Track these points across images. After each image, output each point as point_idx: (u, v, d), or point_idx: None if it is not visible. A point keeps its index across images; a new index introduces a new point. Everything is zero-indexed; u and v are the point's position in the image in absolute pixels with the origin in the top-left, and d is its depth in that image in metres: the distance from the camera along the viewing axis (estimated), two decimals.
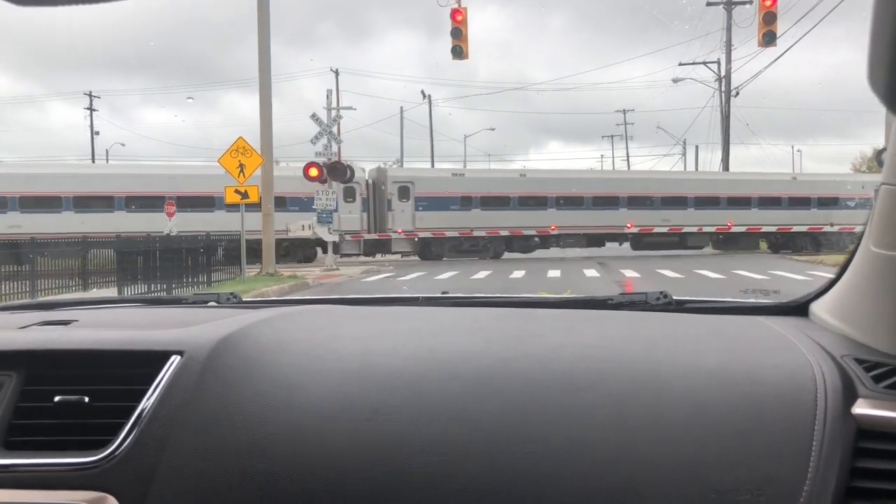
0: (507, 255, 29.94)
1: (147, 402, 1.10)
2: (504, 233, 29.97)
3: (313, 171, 22.00)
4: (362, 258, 28.37)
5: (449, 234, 29.39)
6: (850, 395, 1.06)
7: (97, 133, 48.52)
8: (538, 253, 30.33)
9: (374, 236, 29.12)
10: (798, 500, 0.95)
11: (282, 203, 22.61)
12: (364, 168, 30.12)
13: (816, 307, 1.46)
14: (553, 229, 30.15)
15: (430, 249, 29.33)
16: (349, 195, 28.01)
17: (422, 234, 29.22)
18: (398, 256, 29.44)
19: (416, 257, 29.35)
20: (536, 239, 30.76)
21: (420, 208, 29.21)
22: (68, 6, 0.82)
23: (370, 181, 29.85)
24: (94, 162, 41.85)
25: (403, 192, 29.42)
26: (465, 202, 29.77)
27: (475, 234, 29.65)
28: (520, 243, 30.42)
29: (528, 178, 31.76)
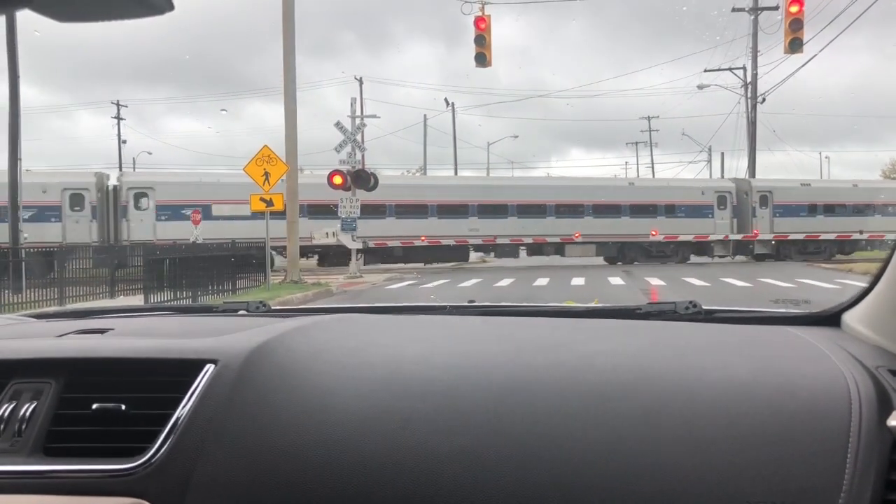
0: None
1: (182, 410, 1.12)
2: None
3: (337, 179, 22.12)
4: (386, 265, 28.37)
5: None
6: (885, 407, 1.05)
7: (125, 142, 49.24)
8: (560, 260, 30.10)
9: None
10: None
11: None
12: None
13: (849, 317, 1.45)
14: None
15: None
16: None
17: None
18: (422, 264, 29.36)
19: None
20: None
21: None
22: (106, 21, 0.85)
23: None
24: (121, 170, 42.37)
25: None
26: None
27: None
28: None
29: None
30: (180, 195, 27.17)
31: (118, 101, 49.04)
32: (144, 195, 27.34)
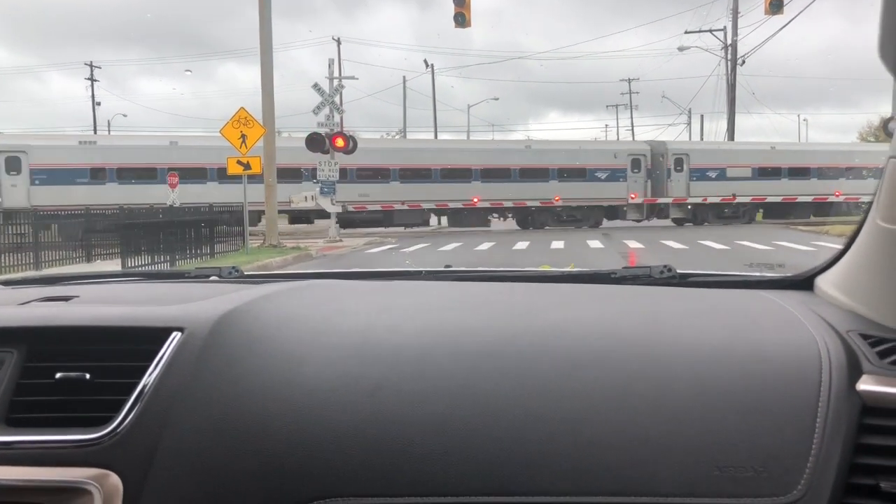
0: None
1: (148, 378, 1.10)
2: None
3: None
4: (365, 229, 28.23)
5: None
6: (854, 372, 1.06)
7: (99, 104, 48.38)
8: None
9: None
10: (801, 476, 0.95)
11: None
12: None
13: (822, 281, 1.45)
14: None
15: None
16: None
17: None
18: (402, 228, 29.18)
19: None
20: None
21: None
22: None
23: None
24: (95, 133, 41.67)
25: None
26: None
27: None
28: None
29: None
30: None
31: (91, 63, 48.09)
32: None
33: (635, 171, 31.03)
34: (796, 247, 17.55)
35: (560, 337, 1.18)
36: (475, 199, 29.42)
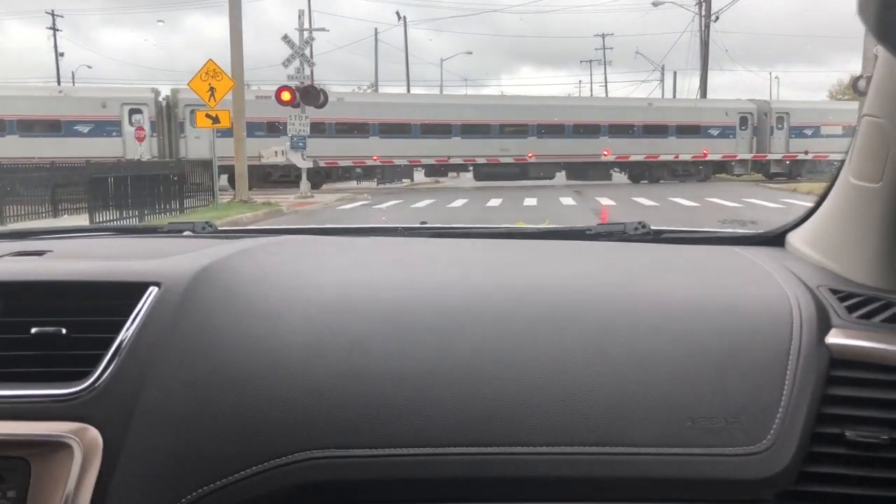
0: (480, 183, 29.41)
1: (126, 333, 1.09)
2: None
3: (286, 95, 21.55)
4: (338, 185, 27.97)
5: None
6: (824, 325, 1.08)
7: (62, 54, 47.07)
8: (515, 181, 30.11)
9: None
10: (771, 427, 0.97)
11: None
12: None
13: (793, 238, 1.48)
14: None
15: None
16: None
17: None
18: (374, 184, 29.04)
19: None
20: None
21: None
22: None
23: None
24: (59, 84, 40.56)
25: None
26: None
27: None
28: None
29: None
30: None
31: (53, 11, 46.63)
32: None
33: (743, 128, 32.27)
34: (766, 204, 17.76)
35: (536, 292, 1.19)
36: (606, 152, 30.44)
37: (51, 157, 19.25)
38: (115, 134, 25.86)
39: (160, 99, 26.79)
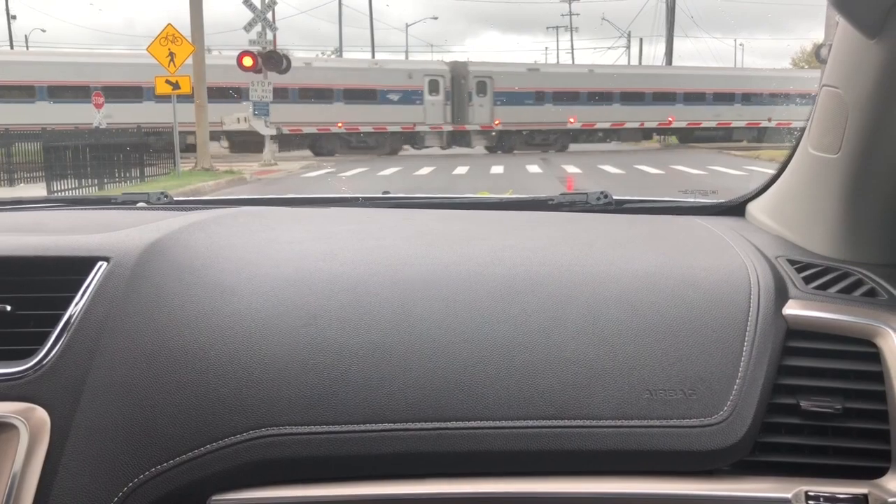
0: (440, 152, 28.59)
1: (74, 309, 1.06)
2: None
3: (247, 61, 21.10)
4: (303, 152, 27.58)
5: None
6: (781, 296, 1.09)
7: (14, 17, 45.58)
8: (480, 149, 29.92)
9: None
10: (728, 397, 0.98)
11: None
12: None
13: (753, 208, 1.48)
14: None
15: None
16: None
17: None
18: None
19: None
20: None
21: None
22: None
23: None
24: (12, 48, 39.33)
25: None
26: None
27: None
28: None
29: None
30: None
31: None
32: None
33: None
34: (729, 171, 17.96)
35: (496, 264, 1.18)
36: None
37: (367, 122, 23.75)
38: (417, 102, 28.19)
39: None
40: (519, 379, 1.00)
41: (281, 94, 25.01)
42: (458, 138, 29.56)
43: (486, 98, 29.41)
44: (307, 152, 27.15)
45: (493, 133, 29.52)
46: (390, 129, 28.39)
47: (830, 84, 1.13)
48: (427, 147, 29.16)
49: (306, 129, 27.27)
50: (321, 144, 27.79)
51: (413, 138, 29.26)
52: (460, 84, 29.42)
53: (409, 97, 28.63)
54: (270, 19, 22.33)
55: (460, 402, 0.98)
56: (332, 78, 28.09)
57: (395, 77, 28.74)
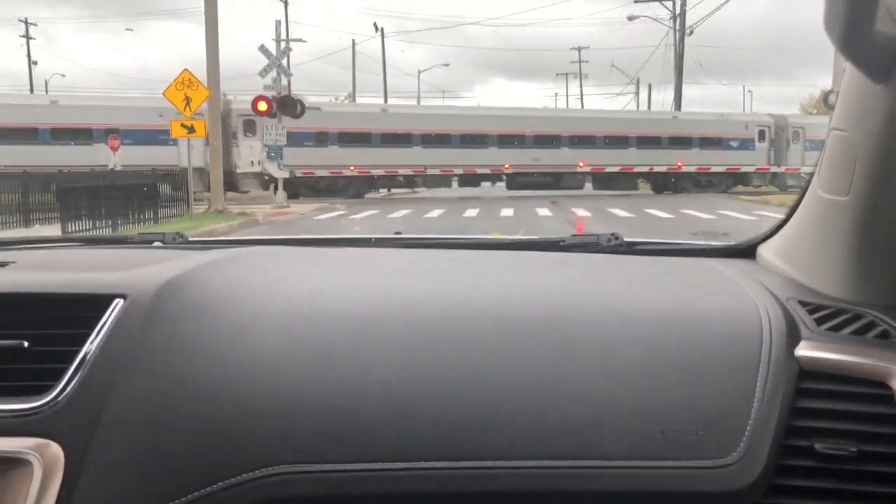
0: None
1: (90, 346, 1.07)
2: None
3: (262, 106, 21.46)
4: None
5: None
6: (793, 338, 1.09)
7: (35, 63, 46.56)
8: (491, 191, 30.35)
9: None
10: (741, 439, 0.97)
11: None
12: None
13: (764, 250, 1.49)
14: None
15: None
16: None
17: None
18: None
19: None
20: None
21: None
22: None
23: None
24: (32, 93, 40.12)
25: None
26: None
27: None
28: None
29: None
30: None
31: (26, 19, 46.13)
32: None
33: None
34: (739, 216, 17.95)
35: (508, 304, 1.18)
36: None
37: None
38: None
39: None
40: (531, 418, 0.99)
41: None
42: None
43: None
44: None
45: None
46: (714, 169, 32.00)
47: (839, 128, 1.14)
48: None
49: (319, 172, 27.82)
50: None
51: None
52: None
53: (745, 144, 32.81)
54: (285, 65, 22.72)
55: (472, 442, 0.98)
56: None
57: (733, 127, 32.86)
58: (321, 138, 28.24)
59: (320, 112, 27.72)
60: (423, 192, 32.10)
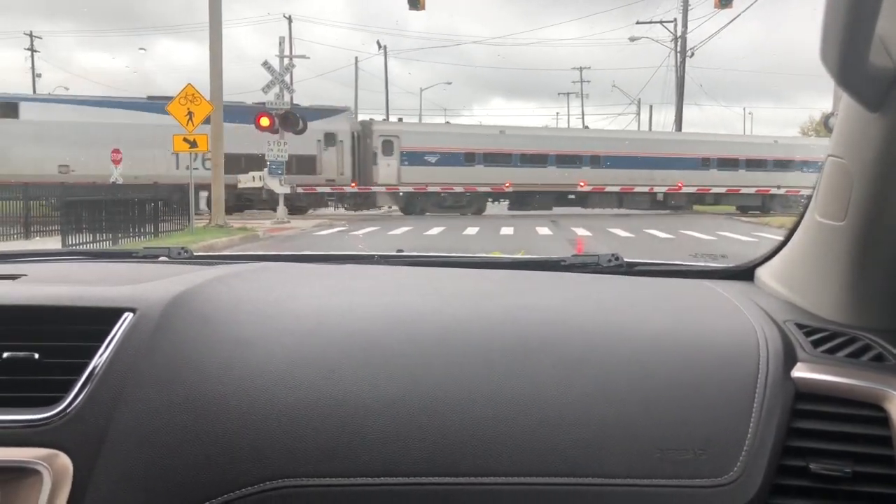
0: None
1: (99, 359, 1.09)
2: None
3: (265, 121, 21.54)
4: (313, 211, 28.02)
5: None
6: (790, 359, 1.11)
7: (39, 75, 46.74)
8: (491, 209, 30.41)
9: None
10: (738, 459, 0.99)
11: None
12: None
13: (762, 272, 1.51)
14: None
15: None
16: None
17: None
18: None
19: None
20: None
21: None
22: None
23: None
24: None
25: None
26: None
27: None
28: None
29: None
30: None
31: (31, 32, 46.39)
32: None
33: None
34: (738, 237, 17.98)
35: (510, 322, 1.20)
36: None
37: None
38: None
39: None
40: (532, 436, 1.01)
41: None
42: None
43: None
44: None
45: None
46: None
47: (835, 154, 1.16)
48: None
49: (320, 189, 27.96)
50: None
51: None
52: None
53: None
54: (288, 82, 22.83)
55: (474, 458, 1.00)
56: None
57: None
58: (469, 158, 29.71)
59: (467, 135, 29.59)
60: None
